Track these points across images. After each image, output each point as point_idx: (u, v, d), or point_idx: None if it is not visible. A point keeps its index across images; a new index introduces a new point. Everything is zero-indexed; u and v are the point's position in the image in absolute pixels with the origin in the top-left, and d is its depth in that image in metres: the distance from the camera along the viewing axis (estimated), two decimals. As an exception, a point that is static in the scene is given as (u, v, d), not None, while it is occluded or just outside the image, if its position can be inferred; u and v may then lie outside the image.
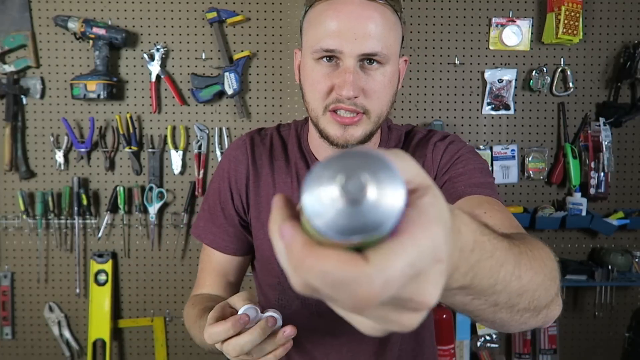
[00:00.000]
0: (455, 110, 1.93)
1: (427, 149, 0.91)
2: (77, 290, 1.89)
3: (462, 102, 1.93)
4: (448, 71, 1.92)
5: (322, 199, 0.27)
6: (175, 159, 1.89)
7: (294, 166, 0.94)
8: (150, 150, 1.88)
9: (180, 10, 1.88)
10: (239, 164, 0.95)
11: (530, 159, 1.92)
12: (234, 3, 1.87)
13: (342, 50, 0.77)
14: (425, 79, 1.92)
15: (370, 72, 0.79)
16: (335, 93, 0.79)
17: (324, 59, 0.79)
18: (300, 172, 0.93)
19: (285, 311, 0.95)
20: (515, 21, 1.89)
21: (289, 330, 0.69)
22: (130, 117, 1.85)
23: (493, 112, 1.93)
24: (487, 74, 1.90)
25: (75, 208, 1.85)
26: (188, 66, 1.89)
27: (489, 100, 1.92)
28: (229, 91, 1.84)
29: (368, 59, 0.78)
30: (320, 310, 0.93)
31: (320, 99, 0.81)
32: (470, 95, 1.93)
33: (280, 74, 1.90)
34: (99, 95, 1.79)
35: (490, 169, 0.95)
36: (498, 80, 1.90)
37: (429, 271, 0.31)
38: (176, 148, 1.89)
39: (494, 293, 0.44)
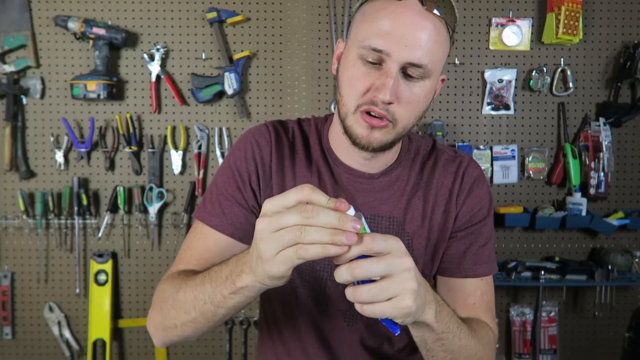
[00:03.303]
0: (455, 110, 1.93)
1: (457, 177, 0.93)
2: (77, 290, 1.89)
3: (462, 102, 1.93)
4: (448, 71, 1.92)
5: None
6: (175, 159, 1.89)
7: (315, 163, 0.93)
8: (150, 150, 1.88)
9: (180, 10, 1.88)
10: (262, 150, 0.92)
11: (530, 159, 1.92)
12: (234, 3, 1.87)
13: (390, 53, 0.75)
14: (425, 79, 1.92)
15: (409, 82, 0.78)
16: (371, 94, 0.77)
17: (368, 60, 0.77)
18: (321, 170, 0.92)
19: (296, 307, 0.95)
20: (515, 21, 1.89)
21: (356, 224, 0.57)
22: (130, 117, 1.85)
23: (493, 112, 1.93)
24: (487, 74, 1.90)
25: (75, 208, 1.85)
26: (188, 66, 1.89)
27: (489, 100, 1.92)
28: (229, 91, 1.84)
29: (411, 71, 0.77)
30: (328, 311, 0.93)
31: (355, 96, 0.79)
32: (470, 95, 1.93)
33: (280, 74, 1.90)
34: (99, 95, 1.79)
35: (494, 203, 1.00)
36: (498, 80, 1.90)
37: (398, 269, 0.59)
38: (176, 148, 1.89)
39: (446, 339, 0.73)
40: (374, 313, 0.60)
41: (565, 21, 1.80)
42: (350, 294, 0.60)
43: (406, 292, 0.60)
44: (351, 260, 0.58)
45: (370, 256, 0.59)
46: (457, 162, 0.95)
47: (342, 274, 0.59)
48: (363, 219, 0.59)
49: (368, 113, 0.79)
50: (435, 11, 0.76)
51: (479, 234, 0.93)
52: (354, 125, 0.81)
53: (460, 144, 1.92)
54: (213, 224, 0.90)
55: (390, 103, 0.77)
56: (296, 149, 0.94)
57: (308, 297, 0.93)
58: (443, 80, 0.88)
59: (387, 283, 0.59)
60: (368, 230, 0.60)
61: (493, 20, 1.90)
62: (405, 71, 0.77)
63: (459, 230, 0.93)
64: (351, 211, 0.58)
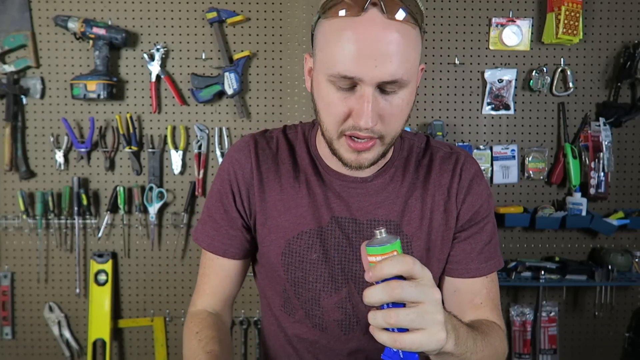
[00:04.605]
0: (455, 110, 1.93)
1: (454, 174, 0.91)
2: (77, 290, 1.89)
3: (462, 102, 1.93)
4: (448, 71, 1.92)
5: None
6: (175, 159, 1.89)
7: (303, 172, 0.91)
8: (150, 150, 1.88)
9: (180, 10, 1.88)
10: (243, 168, 0.91)
11: (530, 159, 1.92)
12: (234, 3, 1.87)
13: (361, 78, 0.71)
14: (425, 79, 1.92)
15: (388, 97, 0.74)
16: (353, 121, 0.74)
17: (341, 85, 0.74)
18: (310, 179, 0.90)
19: (289, 319, 0.95)
20: (515, 21, 1.89)
21: None
22: (130, 117, 1.85)
23: (493, 112, 1.93)
24: (487, 74, 1.90)
25: (75, 208, 1.85)
26: (188, 66, 1.89)
27: (489, 100, 1.92)
28: (229, 91, 1.84)
29: (387, 87, 0.73)
30: (323, 323, 0.92)
31: (336, 123, 0.76)
32: (470, 95, 1.93)
33: (280, 74, 1.90)
34: (99, 95, 1.79)
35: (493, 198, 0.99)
36: (498, 80, 1.90)
37: (429, 295, 0.59)
38: (176, 148, 1.89)
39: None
40: (412, 344, 0.58)
41: (565, 21, 1.80)
42: (382, 316, 0.58)
43: (437, 323, 0.59)
44: (385, 281, 0.58)
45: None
46: (454, 159, 0.92)
47: (376, 293, 0.58)
48: (399, 241, 0.60)
49: (352, 137, 0.77)
50: (398, 16, 0.70)
51: (483, 231, 0.91)
52: (341, 149, 0.79)
53: (460, 144, 1.92)
54: (206, 246, 0.95)
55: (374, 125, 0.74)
56: (281, 160, 0.92)
57: (301, 310, 0.92)
58: (422, 68, 0.84)
59: (422, 310, 0.58)
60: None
61: (493, 20, 1.90)
62: (381, 87, 0.73)
63: (463, 230, 0.91)
64: (384, 234, 0.60)
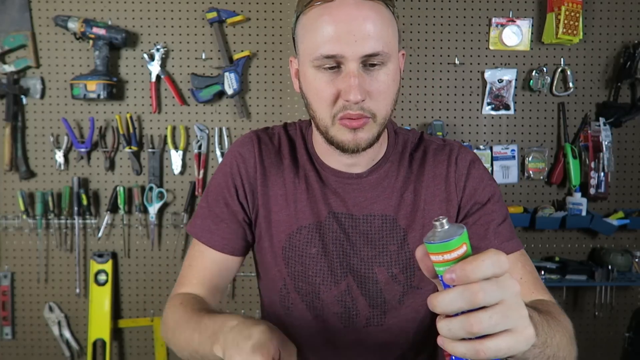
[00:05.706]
0: (455, 110, 1.93)
1: (450, 163, 0.91)
2: (77, 290, 1.89)
3: (462, 102, 1.93)
4: (448, 71, 1.92)
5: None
6: (175, 159, 1.89)
7: (302, 168, 0.92)
8: (150, 150, 1.88)
9: (180, 10, 1.88)
10: (246, 162, 0.92)
11: (530, 159, 1.92)
12: (234, 3, 1.87)
13: (344, 55, 0.75)
14: (425, 79, 1.92)
15: (373, 73, 0.77)
16: (342, 99, 0.77)
17: (326, 67, 0.77)
18: (309, 175, 0.91)
19: (288, 317, 0.95)
20: (515, 21, 1.89)
21: None
22: (130, 117, 1.85)
23: (493, 112, 1.93)
24: (487, 74, 1.90)
25: (75, 208, 1.85)
26: (188, 66, 1.89)
27: (489, 100, 1.92)
28: (229, 91, 1.84)
29: (370, 61, 0.76)
30: (322, 316, 0.93)
31: (328, 107, 0.79)
32: (470, 95, 1.93)
33: (280, 74, 1.90)
34: (99, 95, 1.79)
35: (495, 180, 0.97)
36: (498, 80, 1.90)
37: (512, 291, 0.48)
38: (176, 148, 1.89)
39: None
40: (498, 351, 0.48)
41: (565, 21, 1.80)
42: (461, 325, 0.47)
43: (523, 319, 0.50)
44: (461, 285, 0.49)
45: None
46: (448, 150, 0.93)
47: (454, 301, 0.47)
48: (465, 231, 0.48)
49: (345, 118, 0.78)
50: None
51: (492, 212, 0.89)
52: (337, 134, 0.80)
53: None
54: (205, 240, 0.93)
55: (362, 100, 0.76)
56: (283, 155, 0.94)
57: (301, 303, 0.93)
58: (403, 54, 0.87)
59: (505, 308, 0.48)
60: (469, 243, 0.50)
61: (493, 20, 1.90)
62: (365, 64, 0.76)
63: (470, 215, 0.90)
64: (446, 225, 0.49)
